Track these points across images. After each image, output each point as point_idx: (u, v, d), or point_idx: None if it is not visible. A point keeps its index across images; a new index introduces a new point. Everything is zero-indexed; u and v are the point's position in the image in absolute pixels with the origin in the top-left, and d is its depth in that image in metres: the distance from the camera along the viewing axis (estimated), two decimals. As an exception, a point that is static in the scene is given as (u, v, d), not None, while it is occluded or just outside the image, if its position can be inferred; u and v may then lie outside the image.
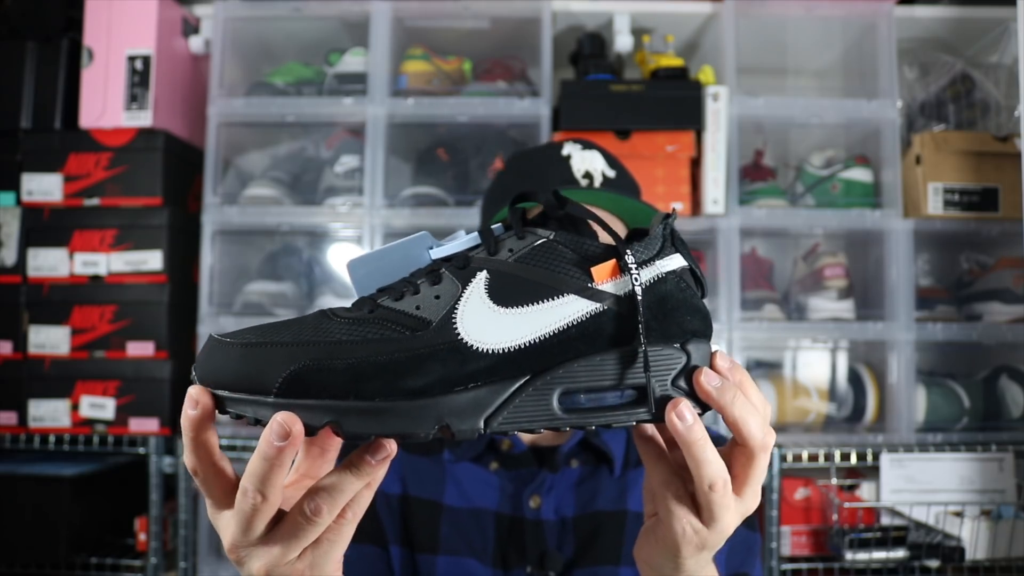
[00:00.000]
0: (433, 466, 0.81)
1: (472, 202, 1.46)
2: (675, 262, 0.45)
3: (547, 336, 0.43)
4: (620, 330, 0.43)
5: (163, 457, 1.36)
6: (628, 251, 0.44)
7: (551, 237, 0.45)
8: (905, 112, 1.52)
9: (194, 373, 0.42)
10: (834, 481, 1.31)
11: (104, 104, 1.43)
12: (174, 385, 1.40)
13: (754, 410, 0.44)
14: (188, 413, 0.42)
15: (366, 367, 0.40)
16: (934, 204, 1.42)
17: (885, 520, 1.32)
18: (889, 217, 1.42)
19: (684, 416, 0.42)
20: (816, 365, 1.49)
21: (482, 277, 0.44)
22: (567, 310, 0.43)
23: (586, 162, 0.83)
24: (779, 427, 1.44)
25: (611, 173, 0.83)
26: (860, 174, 1.47)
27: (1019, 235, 1.32)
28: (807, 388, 1.46)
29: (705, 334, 0.46)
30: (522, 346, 0.42)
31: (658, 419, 0.43)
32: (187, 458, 0.43)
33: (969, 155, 1.43)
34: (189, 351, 1.46)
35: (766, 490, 1.29)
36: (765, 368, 1.53)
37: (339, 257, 1.55)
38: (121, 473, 1.46)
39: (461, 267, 0.44)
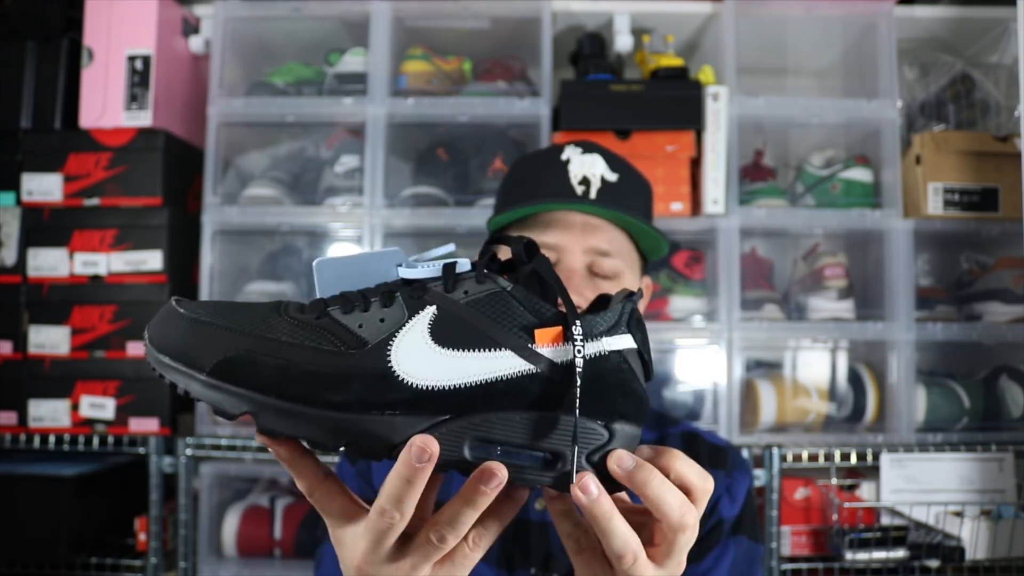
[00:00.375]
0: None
1: (472, 202, 1.46)
2: (622, 342, 0.45)
3: (474, 384, 0.43)
4: (546, 396, 0.43)
5: (163, 457, 1.36)
6: (577, 323, 0.43)
7: (508, 289, 0.44)
8: (905, 112, 1.52)
9: (146, 332, 0.45)
10: (834, 481, 1.31)
11: (104, 104, 1.43)
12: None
13: (671, 489, 0.43)
14: (279, 455, 0.45)
15: (294, 370, 0.42)
16: (934, 204, 1.42)
17: (885, 520, 1.32)
18: (889, 217, 1.42)
19: (589, 489, 0.42)
20: (816, 365, 1.49)
21: (429, 312, 0.44)
22: (500, 364, 0.43)
23: (585, 167, 0.82)
24: (779, 427, 1.45)
25: (612, 177, 0.82)
26: (860, 174, 1.46)
27: (1019, 235, 1.32)
28: (807, 388, 1.46)
29: (636, 419, 0.45)
30: (447, 388, 0.43)
31: (561, 488, 0.43)
32: (298, 483, 0.45)
33: (969, 155, 1.43)
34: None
35: (766, 490, 1.30)
36: (765, 368, 1.53)
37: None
38: (121, 473, 1.46)
39: (415, 297, 0.45)
